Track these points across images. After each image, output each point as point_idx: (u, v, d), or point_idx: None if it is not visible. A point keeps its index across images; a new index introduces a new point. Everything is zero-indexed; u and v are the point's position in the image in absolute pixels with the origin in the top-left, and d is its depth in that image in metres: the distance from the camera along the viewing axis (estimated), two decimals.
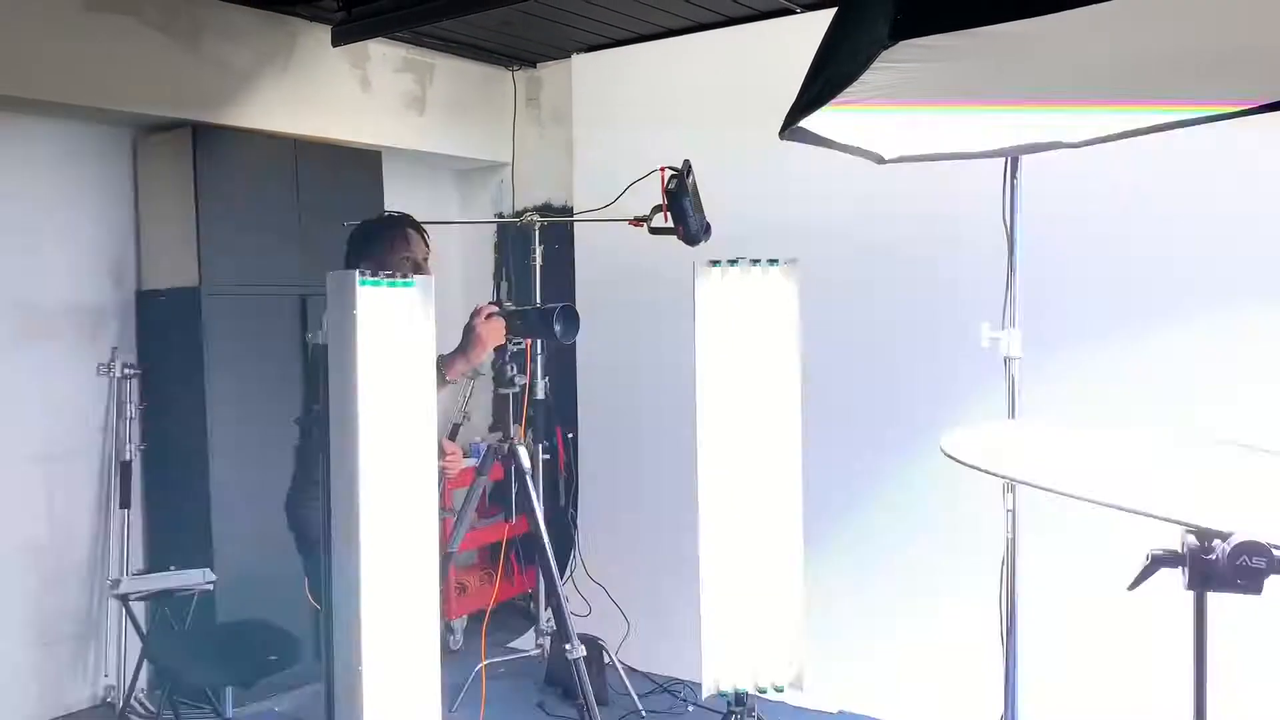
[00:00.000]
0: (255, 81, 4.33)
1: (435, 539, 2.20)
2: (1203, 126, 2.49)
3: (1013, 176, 2.79)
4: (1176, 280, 3.66)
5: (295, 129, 4.46)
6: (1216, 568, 1.49)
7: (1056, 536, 3.60)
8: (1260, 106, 2.32)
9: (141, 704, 4.07)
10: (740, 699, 3.29)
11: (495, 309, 2.69)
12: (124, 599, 3.74)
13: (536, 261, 4.30)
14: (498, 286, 2.73)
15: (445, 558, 3.12)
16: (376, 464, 2.05)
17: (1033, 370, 3.00)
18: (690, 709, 3.98)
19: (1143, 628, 3.41)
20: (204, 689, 3.78)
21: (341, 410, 2.01)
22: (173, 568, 3.87)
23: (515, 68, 5.45)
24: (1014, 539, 2.76)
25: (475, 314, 2.72)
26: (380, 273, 2.07)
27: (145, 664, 3.99)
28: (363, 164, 4.70)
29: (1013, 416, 2.81)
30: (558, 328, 2.67)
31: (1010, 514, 2.74)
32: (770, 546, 3.27)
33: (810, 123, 2.25)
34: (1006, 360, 2.81)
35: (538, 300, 4.25)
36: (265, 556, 4.04)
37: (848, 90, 1.91)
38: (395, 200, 4.60)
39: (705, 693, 3.28)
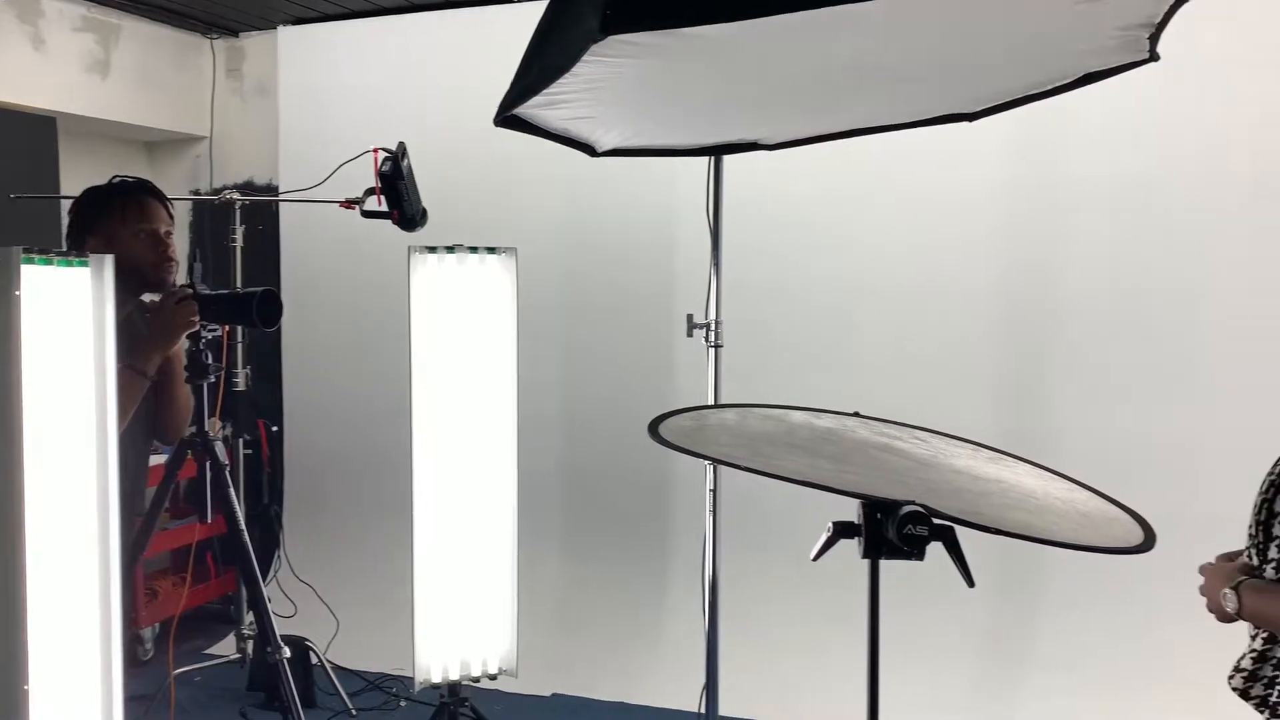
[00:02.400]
0: None
1: (118, 542, 2.02)
2: (895, 135, 2.73)
3: (716, 174, 2.93)
4: (871, 272, 4.00)
5: None
6: (886, 536, 1.63)
7: (760, 513, 3.84)
8: (940, 118, 2.57)
9: None
10: (453, 689, 3.27)
11: (188, 292, 2.50)
12: None
13: (237, 243, 4.08)
14: (191, 268, 2.54)
15: (131, 561, 2.88)
16: (45, 461, 1.85)
17: (738, 356, 3.19)
18: (403, 704, 3.91)
19: (831, 597, 3.70)
20: None
21: (1, 405, 1.80)
22: None
23: (214, 36, 5.10)
24: (715, 517, 2.91)
25: (165, 297, 2.51)
26: (51, 250, 1.87)
27: None
28: (33, 130, 4.22)
29: (716, 400, 2.96)
30: (257, 313, 2.52)
31: (712, 493, 2.89)
32: (484, 535, 3.27)
33: (525, 111, 2.26)
34: (710, 348, 2.95)
35: (238, 284, 4.02)
36: None
37: (560, 81, 1.93)
38: (73, 172, 4.18)
39: (417, 686, 3.23)
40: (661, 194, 4.17)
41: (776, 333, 4.08)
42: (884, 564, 1.70)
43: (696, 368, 3.07)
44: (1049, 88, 2.25)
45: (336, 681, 3.88)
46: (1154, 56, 2.03)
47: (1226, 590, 1.58)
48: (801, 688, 3.80)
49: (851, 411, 2.40)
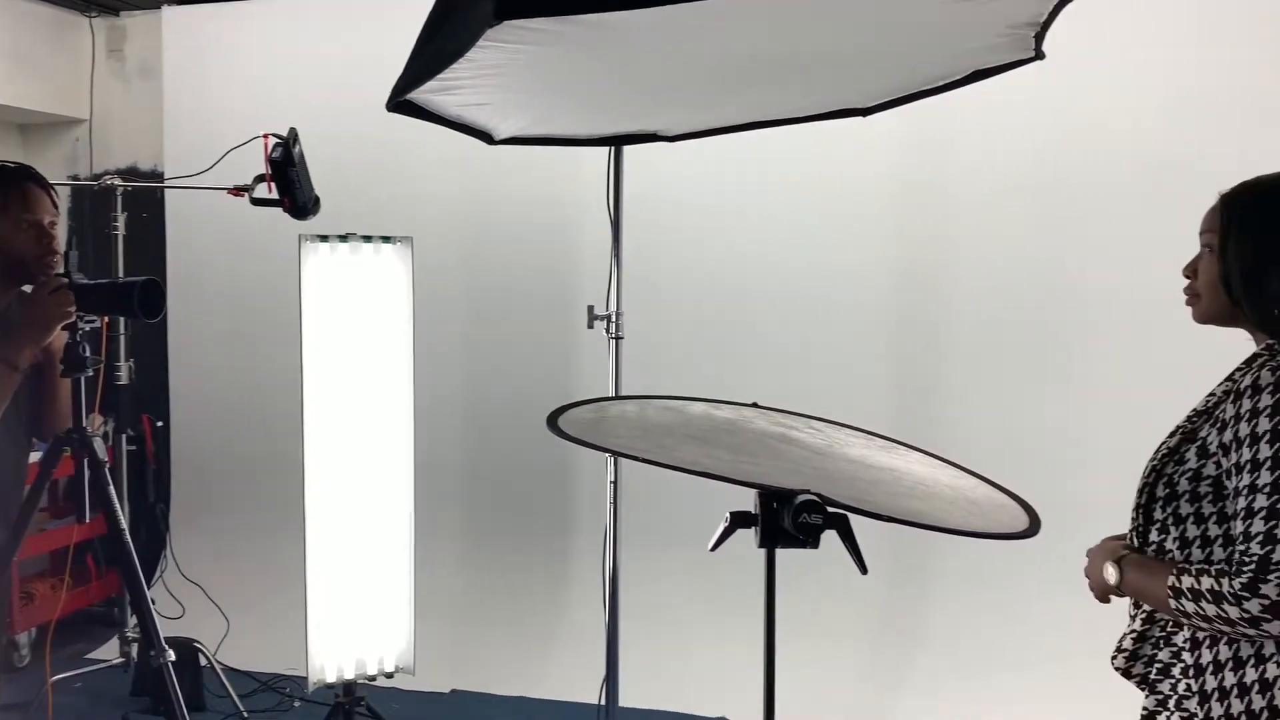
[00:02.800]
0: None
1: None
2: (792, 131, 2.76)
3: (616, 164, 2.91)
4: (770, 264, 4.05)
5: None
6: (782, 525, 1.64)
7: (662, 504, 3.85)
8: (835, 112, 2.60)
9: None
10: (349, 689, 3.21)
11: (62, 282, 2.38)
12: None
13: (119, 231, 3.91)
14: (66, 257, 2.43)
15: (3, 564, 2.74)
16: None
17: (640, 348, 3.19)
18: (297, 704, 3.81)
19: (731, 586, 3.74)
20: None
21: None
22: None
23: (93, 14, 4.88)
24: (616, 509, 2.90)
25: (38, 287, 2.39)
26: None
27: None
28: None
29: (617, 392, 2.96)
30: (139, 304, 2.41)
31: (613, 485, 2.88)
32: (379, 531, 3.21)
33: (418, 97, 2.22)
34: (610, 339, 2.94)
35: (120, 273, 3.86)
36: None
37: (455, 66, 1.90)
38: None
39: (311, 686, 3.16)
40: (563, 183, 4.15)
41: (678, 324, 4.09)
42: (783, 552, 1.71)
43: (598, 359, 3.06)
44: (939, 84, 2.30)
45: (227, 683, 3.77)
46: (1039, 55, 2.09)
47: (1109, 564, 1.63)
48: (701, 676, 3.83)
49: (750, 402, 2.42)
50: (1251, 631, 1.44)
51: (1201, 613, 1.46)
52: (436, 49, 1.93)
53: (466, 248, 4.36)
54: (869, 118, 2.62)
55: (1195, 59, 3.58)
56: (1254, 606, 1.40)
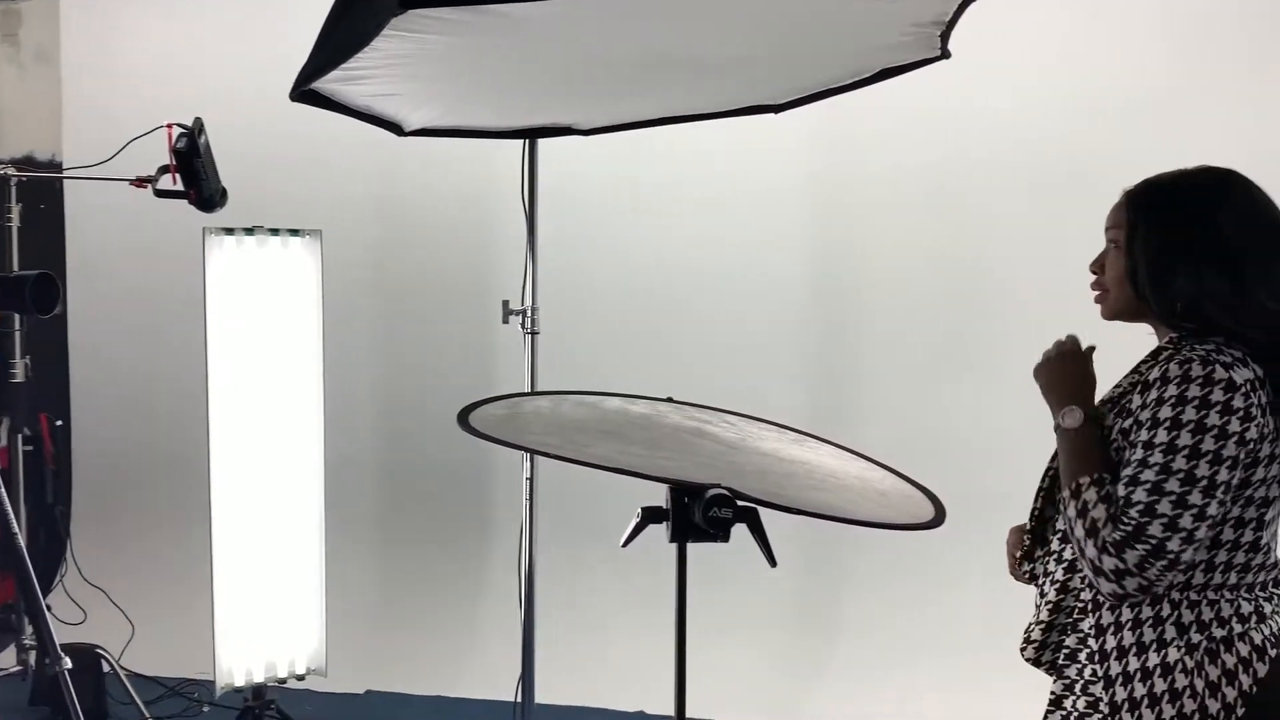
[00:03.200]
0: None
1: None
2: (706, 128, 2.77)
3: (531, 157, 2.89)
4: (686, 260, 4.05)
5: None
6: (693, 520, 1.65)
7: (580, 501, 3.84)
8: (749, 108, 2.62)
9: None
10: (258, 692, 3.14)
11: None
12: None
13: (14, 223, 3.77)
14: None
15: None
16: None
17: (558, 344, 3.17)
18: (205, 709, 3.71)
19: (648, 580, 3.74)
20: None
21: None
22: None
23: None
24: (533, 506, 2.88)
25: None
26: None
27: None
28: None
29: (533, 388, 2.94)
30: (31, 299, 2.33)
31: (529, 482, 2.86)
32: (288, 531, 3.15)
33: (323, 86, 2.17)
34: (526, 334, 2.92)
35: (15, 267, 3.73)
36: None
37: (361, 56, 1.86)
38: None
39: (219, 690, 3.08)
40: (478, 176, 4.09)
41: (594, 319, 4.07)
42: (702, 544, 1.71)
43: (515, 355, 3.04)
44: (849, 82, 2.33)
45: (131, 690, 3.65)
46: (945, 54, 2.12)
47: (1076, 408, 1.60)
48: (619, 671, 3.83)
49: (665, 397, 2.42)
50: (1088, 574, 1.51)
51: (1072, 526, 1.52)
52: (342, 37, 1.89)
53: (378, 241, 4.29)
54: (783, 116, 2.65)
55: (1098, 60, 3.68)
56: (1109, 563, 1.46)
